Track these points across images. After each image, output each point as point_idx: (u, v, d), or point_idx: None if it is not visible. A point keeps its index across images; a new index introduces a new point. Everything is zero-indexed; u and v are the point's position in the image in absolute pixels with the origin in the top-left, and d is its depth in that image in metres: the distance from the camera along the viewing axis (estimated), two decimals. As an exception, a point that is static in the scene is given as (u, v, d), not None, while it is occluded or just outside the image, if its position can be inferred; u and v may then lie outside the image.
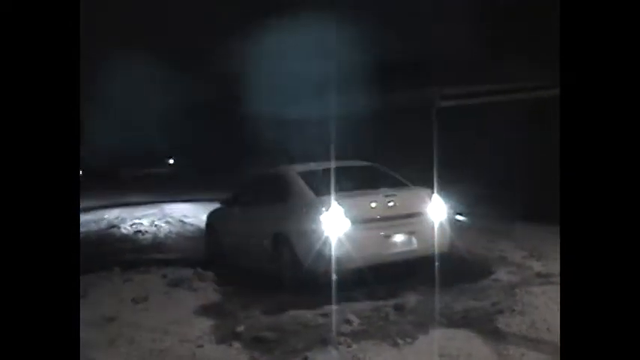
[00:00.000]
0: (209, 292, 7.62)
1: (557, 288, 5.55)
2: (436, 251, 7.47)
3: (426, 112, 14.10)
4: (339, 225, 7.16)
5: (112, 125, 41.44)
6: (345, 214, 7.20)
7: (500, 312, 5.92)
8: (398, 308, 6.37)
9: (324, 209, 7.24)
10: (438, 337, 5.42)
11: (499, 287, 6.94)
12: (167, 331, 6.02)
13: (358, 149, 10.82)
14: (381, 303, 6.58)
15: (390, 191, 7.74)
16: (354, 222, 7.22)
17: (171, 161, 56.06)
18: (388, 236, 7.38)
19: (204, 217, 14.96)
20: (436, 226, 7.60)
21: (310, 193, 7.67)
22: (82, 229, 14.97)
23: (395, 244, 7.42)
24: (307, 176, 8.06)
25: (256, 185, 9.37)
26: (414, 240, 7.50)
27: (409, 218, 7.60)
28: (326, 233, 7.13)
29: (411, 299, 6.69)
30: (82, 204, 22.35)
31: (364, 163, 8.97)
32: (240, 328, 5.94)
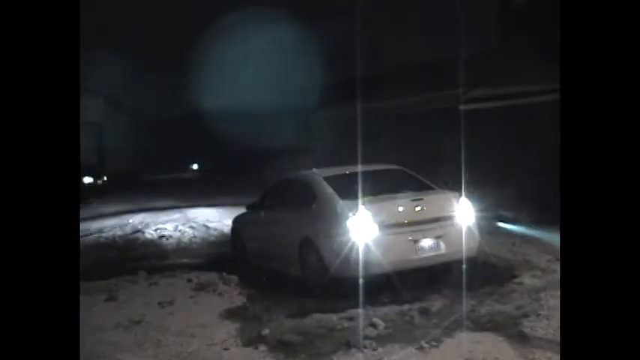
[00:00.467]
0: (234, 296, 7.68)
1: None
2: (464, 255, 7.40)
3: (451, 114, 14.07)
4: (366, 229, 7.13)
5: (136, 130, 41.86)
6: (372, 218, 7.17)
7: (526, 316, 5.91)
8: (423, 312, 6.37)
9: (350, 214, 7.22)
10: (463, 340, 5.42)
11: (524, 291, 6.91)
12: (193, 335, 6.09)
13: (383, 152, 10.81)
14: (406, 307, 6.57)
15: (417, 195, 7.70)
16: (381, 226, 7.18)
17: (195, 166, 56.65)
18: (416, 241, 7.31)
19: (227, 222, 15.11)
20: (464, 230, 7.54)
21: (336, 198, 7.61)
22: (107, 234, 15.21)
23: (422, 248, 7.35)
24: (333, 180, 8.04)
25: (282, 190, 9.38)
26: (441, 244, 7.42)
27: (437, 222, 7.51)
28: (353, 238, 7.10)
29: (436, 303, 6.68)
30: (108, 209, 22.70)
31: (391, 167, 8.93)
32: (266, 332, 5.98)
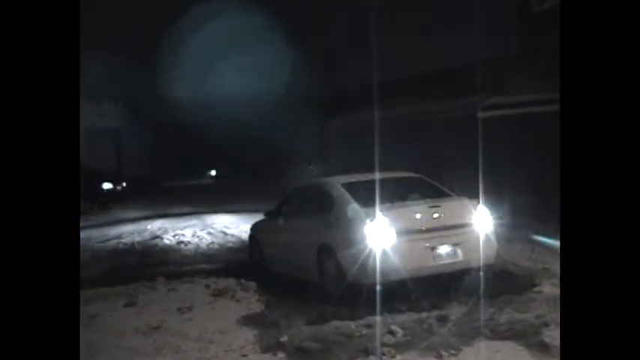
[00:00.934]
0: (252, 303, 7.70)
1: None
2: (482, 263, 7.38)
3: (470, 121, 14.01)
4: (383, 236, 7.14)
5: (156, 136, 42.13)
6: (390, 225, 7.18)
7: (546, 325, 5.86)
8: (441, 320, 6.33)
9: (368, 220, 7.22)
10: (482, 349, 5.39)
11: (543, 300, 6.86)
12: (212, 340, 6.11)
13: (400, 160, 10.79)
14: (424, 314, 6.55)
15: (434, 202, 7.70)
16: (398, 233, 7.18)
17: (213, 173, 56.88)
18: (433, 247, 7.31)
19: (245, 228, 15.16)
20: (482, 237, 7.51)
21: (354, 205, 7.61)
22: (126, 240, 15.30)
23: (440, 255, 7.34)
24: (351, 187, 8.06)
25: (300, 197, 9.43)
26: (459, 251, 7.40)
27: (454, 229, 7.50)
28: (370, 244, 7.11)
29: (454, 311, 6.64)
30: (126, 214, 22.81)
31: (408, 174, 8.93)
32: (284, 338, 5.98)
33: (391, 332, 5.94)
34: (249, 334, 6.32)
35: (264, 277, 9.19)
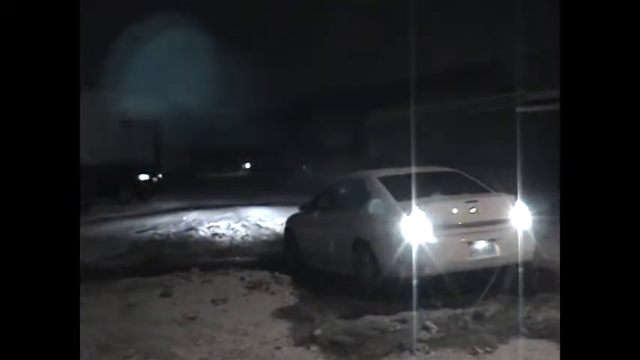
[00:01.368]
0: (286, 296, 7.72)
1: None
2: (519, 259, 7.25)
3: (508, 116, 13.84)
4: (420, 230, 7.09)
5: (191, 128, 42.49)
6: (426, 219, 7.13)
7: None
8: (477, 317, 6.26)
9: (405, 214, 7.18)
10: (519, 347, 5.32)
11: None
12: (246, 332, 6.14)
13: (437, 154, 10.70)
14: (459, 311, 6.48)
15: (472, 197, 7.61)
16: (435, 228, 7.13)
17: (248, 165, 57.30)
18: (470, 243, 7.23)
19: (279, 221, 15.25)
20: (520, 233, 7.40)
21: (391, 198, 7.57)
22: (162, 231, 15.48)
23: (476, 250, 7.26)
24: (388, 181, 8.00)
25: (336, 190, 9.39)
26: (496, 247, 7.31)
27: (491, 225, 7.42)
28: (407, 239, 7.06)
29: (490, 308, 6.56)
30: (162, 206, 23.11)
31: (445, 169, 8.85)
32: (318, 332, 5.97)
33: (426, 328, 5.88)
34: (283, 326, 6.33)
35: (299, 270, 9.21)
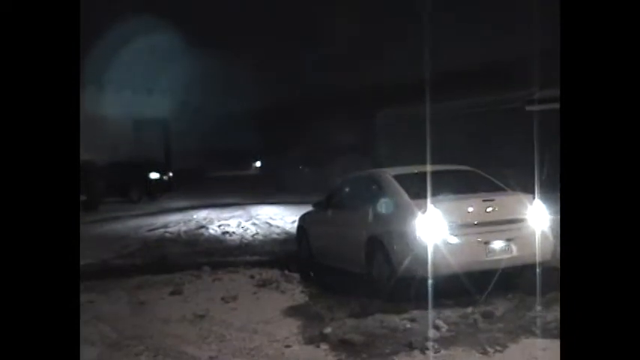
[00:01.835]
0: (296, 294, 7.73)
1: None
2: (537, 259, 7.08)
3: (520, 114, 13.76)
4: (435, 229, 6.99)
5: (202, 127, 42.62)
6: (442, 218, 7.03)
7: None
8: (487, 316, 6.24)
9: (420, 213, 7.08)
10: (529, 346, 5.30)
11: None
12: (256, 331, 6.15)
13: (451, 153, 10.62)
14: (469, 310, 6.46)
15: (488, 196, 7.49)
16: (450, 227, 7.04)
17: (258, 164, 57.39)
18: (486, 242, 7.09)
19: (289, 219, 15.27)
20: (537, 233, 7.25)
21: (406, 197, 7.47)
22: (172, 229, 15.53)
23: (493, 250, 7.11)
24: (403, 179, 7.90)
25: (349, 188, 9.27)
26: (513, 247, 7.16)
27: (508, 224, 7.30)
28: (422, 237, 6.97)
29: (500, 307, 6.54)
30: (173, 204, 23.19)
31: (461, 167, 8.72)
32: (328, 330, 5.97)
33: (436, 327, 5.87)
34: (292, 325, 6.34)
35: (309, 268, 9.21)
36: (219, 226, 15.65)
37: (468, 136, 16.88)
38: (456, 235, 7.04)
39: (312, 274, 8.82)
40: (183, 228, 15.76)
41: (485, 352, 5.20)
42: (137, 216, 19.37)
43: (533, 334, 5.64)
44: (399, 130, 21.57)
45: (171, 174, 28.89)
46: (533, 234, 7.26)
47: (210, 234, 14.63)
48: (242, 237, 13.88)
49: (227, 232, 14.57)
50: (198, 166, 43.11)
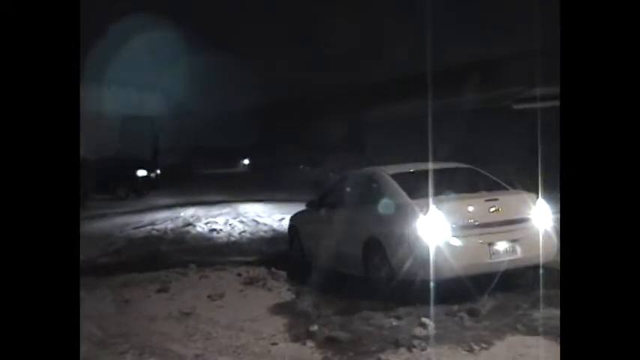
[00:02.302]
0: (283, 292, 7.72)
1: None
2: (541, 260, 6.95)
3: (520, 113, 13.74)
4: (437, 230, 6.73)
5: (189, 125, 42.51)
6: (444, 218, 6.78)
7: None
8: (473, 314, 6.23)
9: (421, 213, 6.82)
10: (515, 343, 5.31)
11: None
12: (242, 328, 6.14)
13: (442, 151, 10.57)
14: (455, 307, 6.45)
15: (491, 195, 7.27)
16: (453, 228, 6.79)
17: (247, 161, 57.30)
18: (490, 244, 6.83)
19: (277, 217, 15.26)
20: (542, 233, 7.06)
21: (405, 197, 7.19)
22: (159, 226, 15.47)
23: (497, 252, 6.86)
24: (401, 178, 7.63)
25: (345, 187, 8.98)
26: (517, 248, 6.93)
27: (512, 225, 7.05)
28: (423, 239, 6.72)
29: (486, 305, 6.54)
30: (160, 201, 23.12)
31: (461, 165, 8.45)
32: (314, 328, 5.96)
33: (422, 325, 5.87)
34: (279, 322, 6.34)
35: (296, 266, 9.17)
36: (207, 223, 15.59)
37: (465, 134, 16.87)
38: (458, 237, 6.78)
39: (298, 272, 8.72)
40: (170, 225, 15.69)
41: (471, 350, 5.20)
42: (124, 213, 19.27)
43: (518, 331, 5.65)
44: (392, 128, 21.55)
45: (158, 171, 28.80)
46: (538, 234, 7.04)
47: (197, 231, 14.57)
48: (229, 235, 13.83)
49: (214, 230, 14.52)
50: (186, 164, 42.98)
